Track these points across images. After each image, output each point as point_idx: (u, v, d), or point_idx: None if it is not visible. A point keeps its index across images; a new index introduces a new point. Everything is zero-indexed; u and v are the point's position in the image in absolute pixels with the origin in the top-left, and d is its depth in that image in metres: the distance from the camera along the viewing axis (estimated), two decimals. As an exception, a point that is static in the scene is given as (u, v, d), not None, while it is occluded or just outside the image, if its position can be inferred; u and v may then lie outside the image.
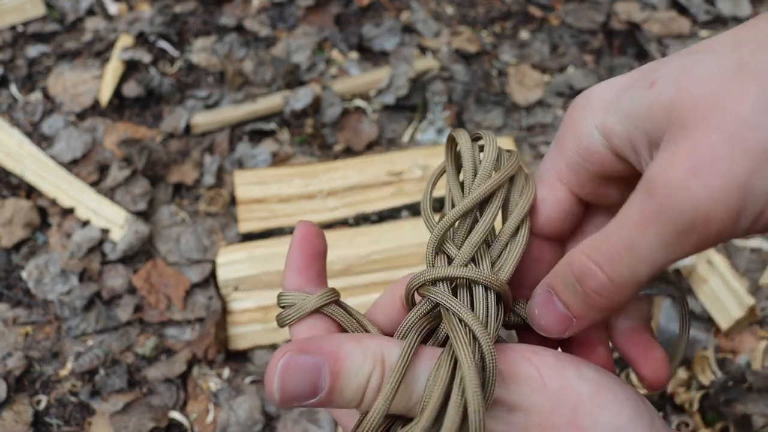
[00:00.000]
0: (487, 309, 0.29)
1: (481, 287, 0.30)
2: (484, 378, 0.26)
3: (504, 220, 0.32)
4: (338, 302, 0.33)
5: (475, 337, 0.27)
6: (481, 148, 0.33)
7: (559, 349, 0.31)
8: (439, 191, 0.84)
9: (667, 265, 0.24)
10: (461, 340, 0.27)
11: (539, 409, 0.26)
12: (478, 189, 0.31)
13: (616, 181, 0.30)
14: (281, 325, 0.32)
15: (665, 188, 0.22)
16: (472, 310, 0.29)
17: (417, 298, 0.31)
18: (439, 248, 0.31)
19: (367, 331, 0.32)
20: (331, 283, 0.93)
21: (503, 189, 0.32)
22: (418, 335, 0.29)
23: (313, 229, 0.33)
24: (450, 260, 0.31)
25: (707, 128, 0.22)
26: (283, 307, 0.32)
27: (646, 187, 0.23)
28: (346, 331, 0.32)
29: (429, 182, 0.35)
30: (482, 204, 0.32)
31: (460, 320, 0.28)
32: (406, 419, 0.28)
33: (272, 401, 0.26)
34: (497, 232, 0.32)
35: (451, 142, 0.35)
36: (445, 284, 0.30)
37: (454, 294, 0.30)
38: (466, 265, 0.30)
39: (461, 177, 0.34)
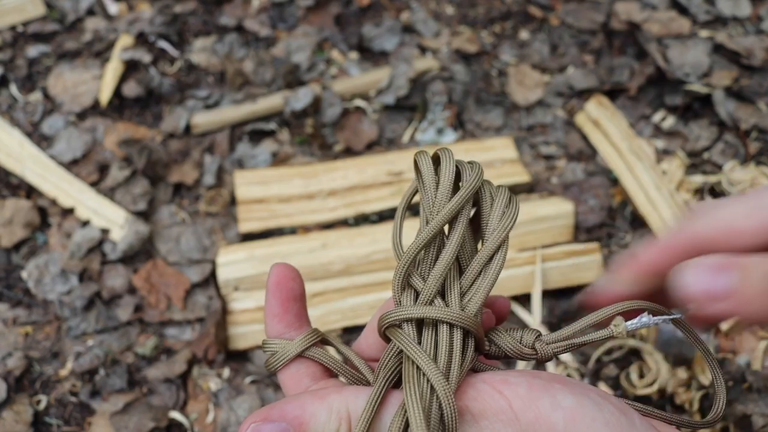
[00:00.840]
0: (451, 350, 0.28)
1: (445, 326, 0.28)
2: (443, 428, 0.26)
3: (482, 241, 0.31)
4: (323, 340, 0.33)
5: (432, 388, 0.26)
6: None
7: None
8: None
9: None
10: (414, 393, 0.26)
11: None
12: (438, 215, 0.29)
13: None
14: (269, 371, 0.33)
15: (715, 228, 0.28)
16: (436, 352, 0.28)
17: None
18: (405, 283, 0.30)
19: (353, 366, 0.32)
20: (332, 283, 0.93)
21: (467, 209, 0.30)
22: (386, 381, 0.28)
23: (287, 272, 0.33)
24: (417, 295, 0.29)
25: None
26: (268, 355, 0.33)
27: None
28: (331, 371, 0.32)
29: (400, 206, 0.33)
30: (451, 226, 0.30)
31: (418, 369, 0.27)
32: None
33: None
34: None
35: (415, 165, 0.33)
36: (410, 324, 0.29)
37: (419, 333, 0.29)
38: (431, 303, 0.29)
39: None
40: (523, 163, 0.98)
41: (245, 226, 0.91)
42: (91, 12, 1.19)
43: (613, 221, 0.93)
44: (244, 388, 0.78)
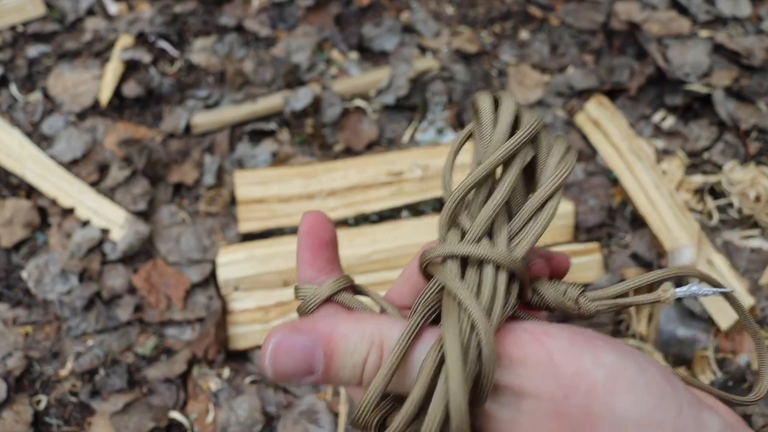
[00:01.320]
0: (495, 291, 0.26)
1: (491, 266, 0.27)
2: (480, 369, 0.24)
3: (535, 190, 0.29)
4: (353, 287, 0.32)
5: (473, 325, 0.25)
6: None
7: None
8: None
9: None
10: (453, 328, 0.25)
11: (550, 395, 0.24)
12: (492, 155, 0.28)
13: None
14: (300, 315, 0.32)
15: None
16: (479, 291, 0.26)
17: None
18: (452, 221, 0.29)
19: (383, 311, 0.31)
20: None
21: (523, 153, 0.29)
22: (423, 316, 0.27)
23: (318, 219, 0.33)
24: (463, 234, 0.28)
25: None
26: (299, 300, 0.32)
27: None
28: None
29: (452, 148, 0.32)
30: (504, 169, 0.29)
31: (459, 304, 0.26)
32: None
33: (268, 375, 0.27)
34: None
35: (474, 105, 0.32)
36: (454, 261, 0.27)
37: (463, 272, 0.27)
38: (478, 241, 0.27)
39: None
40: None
41: (245, 226, 0.91)
42: (91, 12, 1.19)
43: (613, 221, 0.93)
44: (244, 388, 0.78)
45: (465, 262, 0.28)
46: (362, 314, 0.28)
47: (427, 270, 0.29)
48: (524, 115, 0.30)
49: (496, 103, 0.30)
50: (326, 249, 0.33)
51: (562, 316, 0.30)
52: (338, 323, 0.27)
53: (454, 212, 0.29)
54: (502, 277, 0.27)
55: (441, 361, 0.25)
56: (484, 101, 0.30)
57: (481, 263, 0.27)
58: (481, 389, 0.25)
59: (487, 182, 0.29)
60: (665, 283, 0.29)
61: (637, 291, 0.30)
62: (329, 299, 0.31)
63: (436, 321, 0.27)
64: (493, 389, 0.25)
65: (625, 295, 0.29)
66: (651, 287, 0.30)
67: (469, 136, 0.32)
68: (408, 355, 0.26)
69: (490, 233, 0.28)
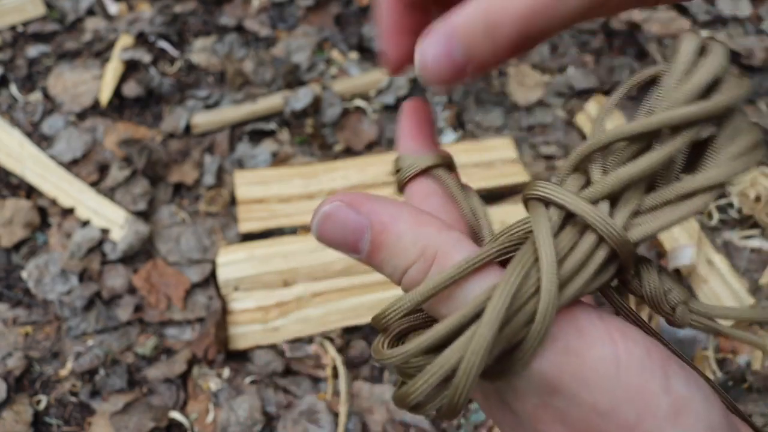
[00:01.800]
0: (583, 264, 0.22)
1: (594, 236, 0.23)
2: (525, 336, 0.22)
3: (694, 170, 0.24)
4: (451, 167, 0.29)
5: (537, 290, 0.22)
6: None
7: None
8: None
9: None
10: (514, 280, 0.21)
11: (595, 403, 0.21)
12: (671, 110, 0.23)
13: None
14: (398, 185, 0.30)
15: None
16: (566, 256, 0.22)
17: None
18: (581, 163, 0.24)
19: (473, 210, 0.28)
20: (332, 283, 0.93)
21: (701, 127, 0.23)
22: (498, 252, 0.23)
23: (420, 101, 0.31)
24: (586, 185, 0.24)
25: None
26: (398, 171, 0.30)
27: None
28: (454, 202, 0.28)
29: (625, 85, 0.26)
30: (673, 133, 0.23)
31: (536, 259, 0.22)
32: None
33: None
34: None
35: (675, 45, 0.26)
36: (557, 211, 0.23)
37: (562, 226, 0.23)
38: (596, 202, 0.23)
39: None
40: (523, 163, 0.98)
41: (245, 226, 0.91)
42: (91, 12, 1.19)
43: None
44: (244, 388, 0.78)
45: (569, 217, 0.23)
46: (430, 220, 0.25)
47: (526, 203, 0.24)
48: (728, 81, 0.24)
49: (702, 52, 0.24)
50: (428, 126, 0.31)
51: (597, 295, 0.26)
52: (400, 217, 0.24)
53: (589, 156, 0.24)
54: (601, 254, 0.23)
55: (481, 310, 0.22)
56: (688, 44, 0.24)
57: (584, 227, 0.23)
58: (514, 358, 0.22)
59: (644, 139, 0.23)
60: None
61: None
62: (427, 171, 0.29)
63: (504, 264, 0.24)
64: (529, 379, 0.22)
65: (726, 317, 0.25)
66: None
67: (653, 80, 0.25)
68: (459, 283, 0.23)
69: (614, 199, 0.23)
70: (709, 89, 0.24)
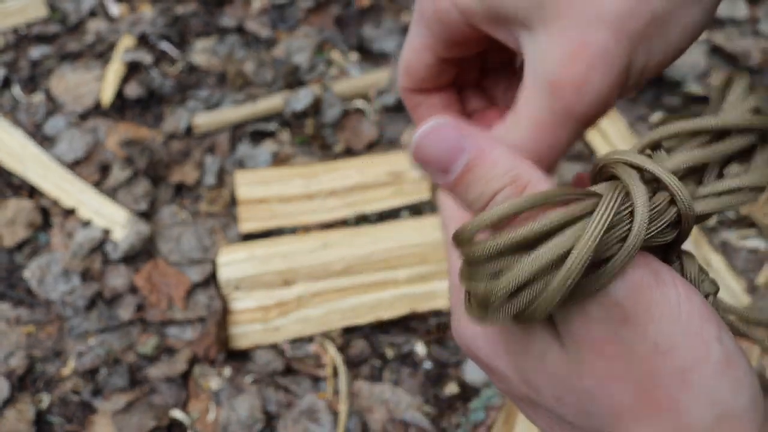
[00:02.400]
0: (661, 215, 0.25)
1: (666, 196, 0.25)
2: (616, 252, 0.23)
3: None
4: None
5: (632, 212, 0.24)
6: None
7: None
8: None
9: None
10: (613, 196, 0.23)
11: (656, 338, 0.23)
12: (730, 115, 0.27)
13: (487, 44, 0.30)
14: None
15: (571, 87, 0.24)
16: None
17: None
18: (652, 145, 0.27)
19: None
20: (332, 283, 0.93)
21: (751, 137, 0.27)
22: (586, 193, 0.25)
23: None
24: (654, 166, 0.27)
25: (588, 20, 0.24)
26: None
27: (549, 89, 0.25)
28: None
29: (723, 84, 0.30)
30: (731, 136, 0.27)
31: (627, 194, 0.24)
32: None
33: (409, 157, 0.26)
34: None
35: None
36: (634, 174, 0.26)
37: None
38: (671, 173, 0.26)
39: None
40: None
41: (246, 226, 0.91)
42: (92, 13, 1.20)
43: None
44: (245, 387, 0.79)
45: (649, 182, 0.26)
46: (523, 156, 0.26)
47: (605, 169, 0.27)
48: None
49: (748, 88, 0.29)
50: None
51: None
52: (497, 146, 0.25)
53: (659, 141, 0.27)
54: (671, 212, 0.25)
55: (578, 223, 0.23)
56: (739, 83, 0.29)
57: (662, 188, 0.26)
58: (599, 274, 0.23)
59: (706, 135, 0.27)
60: None
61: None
62: None
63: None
64: (606, 304, 0.23)
65: (748, 322, 0.28)
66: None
67: (728, 82, 0.30)
68: (549, 207, 0.24)
69: (682, 176, 0.26)
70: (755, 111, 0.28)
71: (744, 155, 0.28)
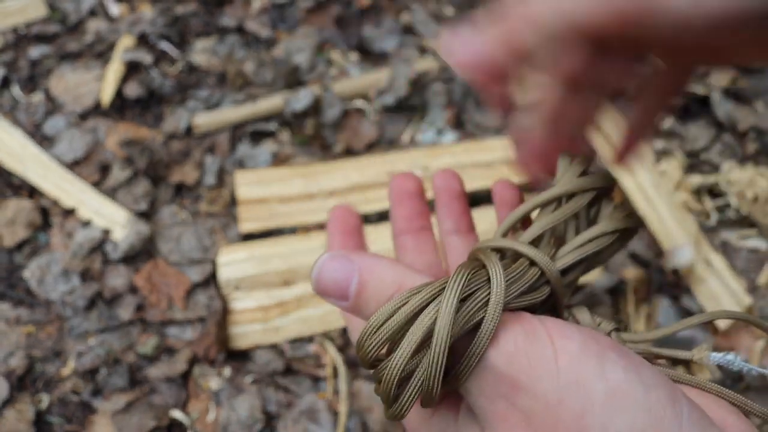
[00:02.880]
0: (521, 276, 0.28)
1: (526, 261, 0.29)
2: (478, 333, 0.25)
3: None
4: None
5: (489, 284, 0.26)
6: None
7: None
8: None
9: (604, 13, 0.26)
10: (460, 280, 0.26)
11: (546, 397, 0.24)
12: (559, 186, 0.32)
13: None
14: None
15: None
16: (508, 273, 0.28)
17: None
18: (509, 231, 0.32)
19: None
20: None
21: (586, 196, 0.32)
22: (448, 284, 0.27)
23: (344, 210, 0.38)
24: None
25: None
26: None
27: None
28: None
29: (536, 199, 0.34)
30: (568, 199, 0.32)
31: (483, 266, 0.27)
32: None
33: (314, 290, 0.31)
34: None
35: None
36: (495, 253, 0.29)
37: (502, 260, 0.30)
38: (523, 243, 0.30)
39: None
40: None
41: (246, 226, 0.91)
42: (92, 13, 1.20)
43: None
44: (245, 387, 0.79)
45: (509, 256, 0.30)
46: (396, 262, 0.30)
47: (472, 257, 0.30)
48: (596, 174, 0.34)
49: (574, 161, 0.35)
50: (353, 236, 0.38)
51: None
52: (381, 261, 0.29)
53: (521, 216, 0.32)
54: (533, 272, 0.28)
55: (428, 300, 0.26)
56: (563, 161, 0.35)
57: (518, 257, 0.29)
58: (472, 351, 0.25)
59: (552, 203, 0.32)
60: (702, 345, 0.30)
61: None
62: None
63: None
64: (492, 377, 0.25)
65: (658, 344, 0.30)
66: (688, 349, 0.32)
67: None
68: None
69: (537, 243, 0.31)
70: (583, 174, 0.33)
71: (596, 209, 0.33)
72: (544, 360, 0.24)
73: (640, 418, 0.23)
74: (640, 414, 0.23)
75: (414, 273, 0.29)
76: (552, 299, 0.30)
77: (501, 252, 0.30)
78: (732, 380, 0.76)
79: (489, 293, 0.26)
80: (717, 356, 0.29)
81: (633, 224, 0.32)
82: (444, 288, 0.26)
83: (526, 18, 0.28)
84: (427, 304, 0.26)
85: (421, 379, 0.25)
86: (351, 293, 0.29)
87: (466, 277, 0.26)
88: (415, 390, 0.26)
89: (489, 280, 0.26)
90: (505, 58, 0.30)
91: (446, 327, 0.24)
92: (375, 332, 0.26)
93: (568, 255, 0.30)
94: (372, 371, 0.28)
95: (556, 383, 0.24)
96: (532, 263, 0.29)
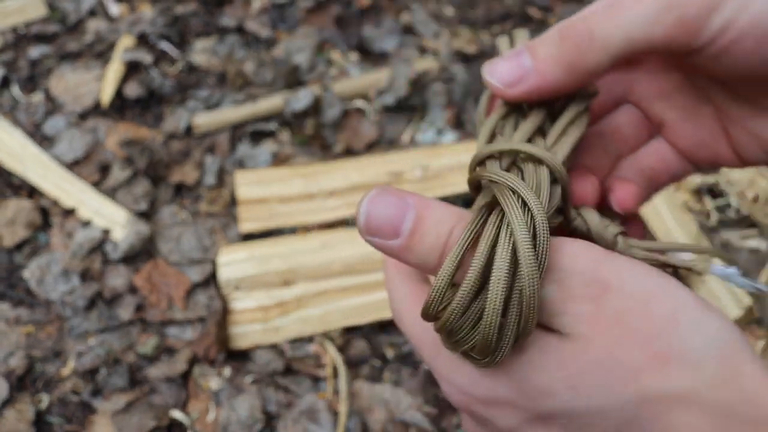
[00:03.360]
0: (540, 183, 0.27)
1: (531, 163, 0.28)
2: (536, 248, 0.24)
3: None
4: None
5: (525, 203, 0.25)
6: None
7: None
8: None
9: (641, 41, 0.27)
10: (511, 203, 0.25)
11: (636, 296, 0.24)
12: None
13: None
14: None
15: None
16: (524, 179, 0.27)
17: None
18: (493, 132, 0.31)
19: None
20: (332, 283, 0.93)
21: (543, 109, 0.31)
22: (484, 208, 0.27)
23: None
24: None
25: None
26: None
27: None
28: None
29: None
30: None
31: (512, 190, 0.26)
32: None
33: (360, 231, 0.28)
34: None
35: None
36: (494, 162, 0.28)
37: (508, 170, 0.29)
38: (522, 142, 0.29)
39: None
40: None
41: (246, 226, 0.91)
42: (92, 13, 1.20)
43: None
44: (245, 387, 0.79)
45: (506, 168, 0.29)
46: (455, 209, 0.29)
47: (475, 176, 0.29)
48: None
49: None
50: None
51: None
52: (432, 200, 0.28)
53: (493, 131, 0.30)
54: (544, 173, 0.27)
55: (497, 235, 0.25)
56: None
57: (524, 163, 0.28)
58: (540, 263, 0.25)
59: (516, 114, 0.31)
60: (706, 255, 0.30)
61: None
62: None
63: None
64: (582, 280, 0.25)
65: (662, 252, 0.30)
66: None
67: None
68: (475, 240, 0.26)
69: (529, 141, 0.29)
70: None
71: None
72: (629, 264, 0.25)
73: (726, 326, 0.24)
74: (726, 322, 0.24)
75: (463, 210, 0.28)
76: (560, 199, 0.29)
77: (498, 158, 0.29)
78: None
79: (532, 209, 0.25)
80: (719, 268, 0.29)
81: (594, 89, 0.32)
82: (503, 217, 0.25)
83: (592, 37, 0.28)
84: (496, 237, 0.25)
85: (517, 313, 0.25)
86: (404, 231, 0.27)
87: (514, 201, 0.25)
88: (513, 326, 0.25)
89: (522, 199, 0.25)
90: (563, 77, 0.29)
91: (529, 254, 0.24)
92: (446, 291, 0.25)
93: (558, 145, 0.30)
94: (454, 324, 0.26)
95: (644, 284, 0.24)
96: (539, 162, 0.28)
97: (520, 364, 0.26)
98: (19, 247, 0.91)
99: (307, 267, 0.85)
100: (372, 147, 1.03)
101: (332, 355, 0.81)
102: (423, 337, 0.30)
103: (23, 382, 0.79)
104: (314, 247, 0.87)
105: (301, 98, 1.03)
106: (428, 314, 0.26)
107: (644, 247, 0.30)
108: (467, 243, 0.25)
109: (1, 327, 0.83)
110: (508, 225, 0.25)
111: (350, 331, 0.83)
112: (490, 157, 0.28)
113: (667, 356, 0.23)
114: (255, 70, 1.11)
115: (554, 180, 0.28)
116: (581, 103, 0.31)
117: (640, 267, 0.25)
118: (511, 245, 0.24)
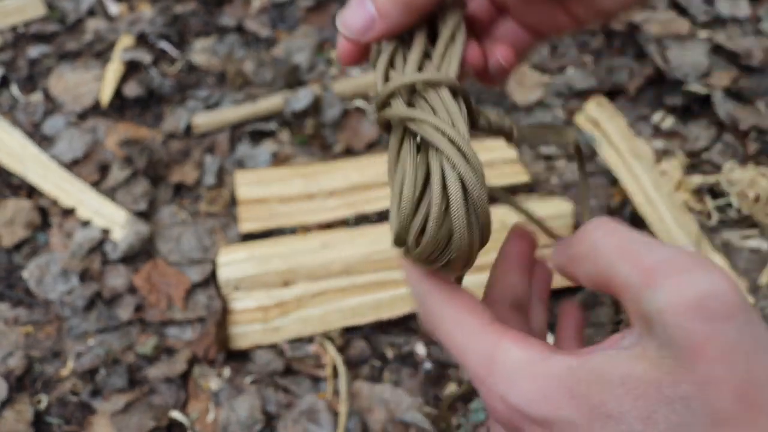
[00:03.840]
0: (448, 107, 0.30)
1: (431, 89, 0.30)
2: (468, 161, 0.28)
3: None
4: None
5: (446, 136, 0.28)
6: None
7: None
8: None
9: None
10: (431, 133, 0.28)
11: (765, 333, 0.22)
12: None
13: None
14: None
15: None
16: (433, 109, 0.30)
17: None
18: (388, 69, 0.33)
19: None
20: (332, 283, 0.93)
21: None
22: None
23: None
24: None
25: None
26: None
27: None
28: None
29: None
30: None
31: (424, 122, 0.29)
32: None
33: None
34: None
35: None
36: (398, 100, 0.30)
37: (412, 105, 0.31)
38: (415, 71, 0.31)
39: None
40: (523, 163, 0.99)
41: (246, 226, 0.91)
42: (91, 12, 1.20)
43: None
44: (245, 387, 0.78)
45: (408, 101, 0.31)
46: None
47: (383, 117, 0.31)
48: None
49: None
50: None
51: None
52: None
53: (387, 68, 0.32)
54: (445, 92, 0.30)
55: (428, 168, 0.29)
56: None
57: (423, 90, 0.30)
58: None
59: (402, 46, 0.33)
60: (573, 128, 0.34)
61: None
62: None
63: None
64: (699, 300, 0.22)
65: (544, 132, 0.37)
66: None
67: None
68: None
69: (420, 69, 0.32)
70: None
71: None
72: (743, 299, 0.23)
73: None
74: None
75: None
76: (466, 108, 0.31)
77: (400, 94, 0.30)
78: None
79: (448, 134, 0.28)
80: (587, 134, 0.34)
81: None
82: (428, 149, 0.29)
83: None
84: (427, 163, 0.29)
85: (476, 218, 0.29)
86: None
87: (433, 131, 0.28)
88: (476, 230, 0.29)
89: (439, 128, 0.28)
90: (404, 18, 0.31)
91: (473, 159, 0.28)
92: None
93: (446, 61, 0.32)
94: (433, 247, 0.29)
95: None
96: (437, 84, 0.30)
97: (591, 389, 0.24)
98: (18, 247, 0.90)
99: (307, 267, 0.85)
100: (372, 147, 1.03)
101: (332, 355, 0.81)
102: (474, 353, 0.28)
103: (22, 383, 0.79)
104: (314, 247, 0.87)
105: (301, 98, 1.03)
106: (404, 244, 0.30)
107: (531, 126, 0.33)
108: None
109: (0, 327, 0.82)
110: (437, 150, 0.28)
111: (350, 331, 0.83)
112: (392, 95, 0.30)
113: (761, 411, 0.22)
114: (255, 70, 1.10)
115: (455, 93, 0.30)
116: (454, 14, 0.33)
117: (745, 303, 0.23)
118: (450, 165, 0.28)
